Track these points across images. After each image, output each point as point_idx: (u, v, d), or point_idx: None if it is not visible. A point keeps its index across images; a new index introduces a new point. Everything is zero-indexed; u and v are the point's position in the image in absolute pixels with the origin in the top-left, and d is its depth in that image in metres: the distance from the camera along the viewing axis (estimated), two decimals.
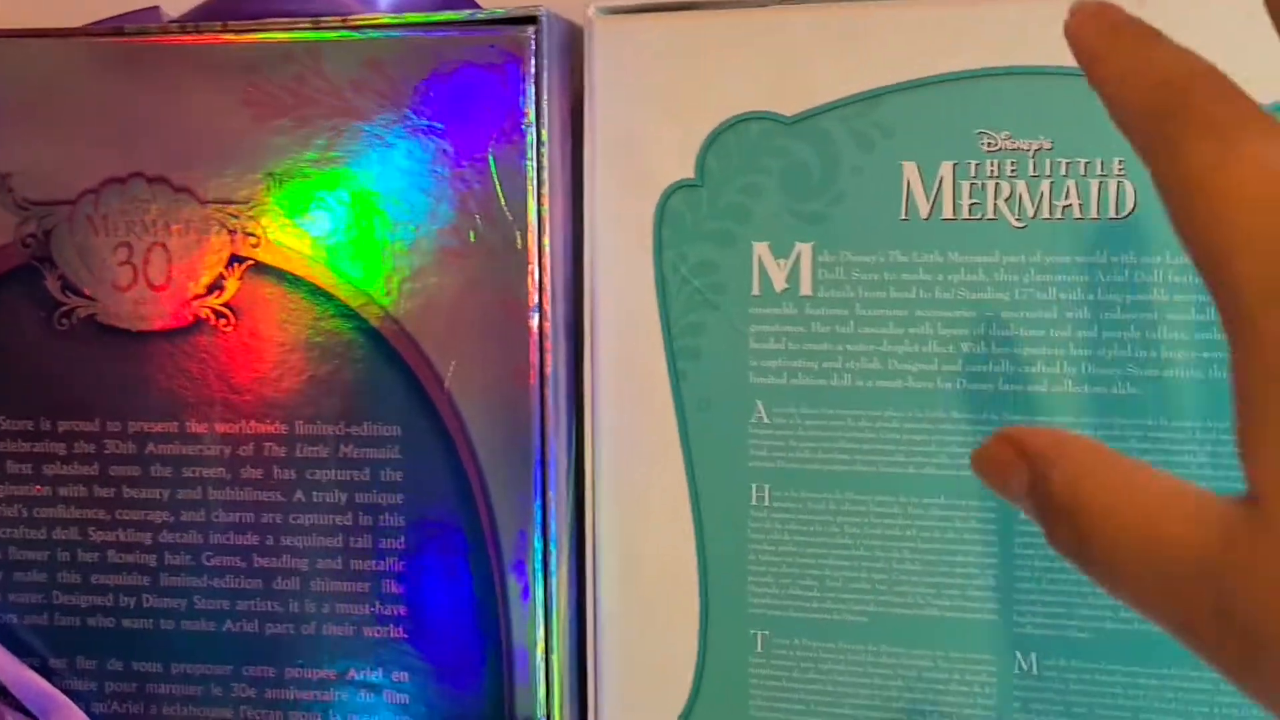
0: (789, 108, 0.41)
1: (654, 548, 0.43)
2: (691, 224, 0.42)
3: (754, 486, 0.43)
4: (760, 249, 0.42)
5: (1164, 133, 0.23)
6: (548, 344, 0.41)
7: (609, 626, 0.44)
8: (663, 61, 0.42)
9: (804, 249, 0.41)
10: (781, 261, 0.42)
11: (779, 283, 0.42)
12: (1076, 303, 0.39)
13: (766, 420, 0.42)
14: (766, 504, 0.42)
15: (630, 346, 0.43)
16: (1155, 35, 0.24)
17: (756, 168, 0.42)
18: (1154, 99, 0.23)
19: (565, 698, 0.43)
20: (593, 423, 0.44)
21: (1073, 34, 0.25)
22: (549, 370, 0.41)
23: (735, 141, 0.42)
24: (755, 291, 0.42)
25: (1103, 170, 0.39)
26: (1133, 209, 0.39)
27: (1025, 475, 0.25)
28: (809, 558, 0.42)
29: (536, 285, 0.41)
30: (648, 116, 0.42)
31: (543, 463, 0.41)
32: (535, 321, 0.41)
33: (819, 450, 0.42)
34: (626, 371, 0.43)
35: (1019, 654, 0.41)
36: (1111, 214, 0.39)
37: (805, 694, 0.43)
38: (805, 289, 0.42)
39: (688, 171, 0.42)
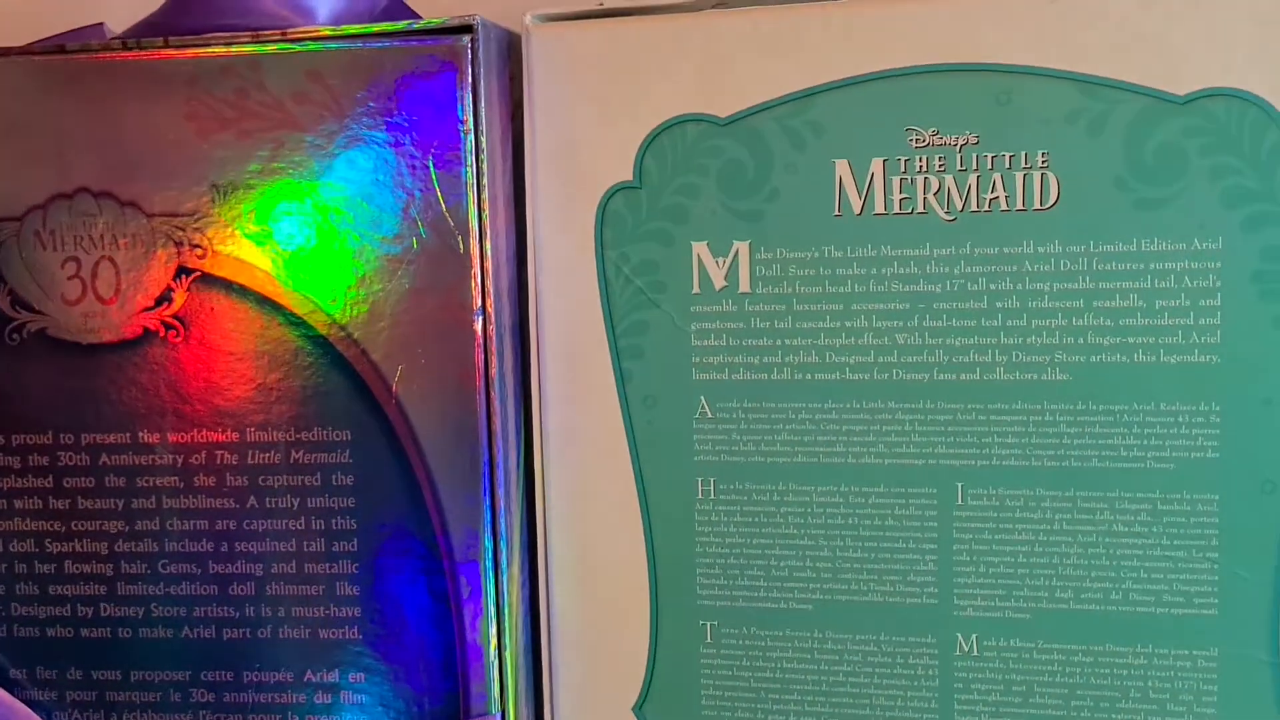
0: (723, 109, 0.42)
1: (604, 544, 0.44)
2: (632, 225, 0.43)
3: (700, 480, 0.43)
4: (699, 248, 0.43)
5: None
6: (492, 347, 0.42)
7: (563, 622, 0.45)
8: (599, 67, 0.43)
9: (741, 247, 0.42)
10: (720, 260, 0.43)
11: (718, 281, 0.43)
12: (1005, 292, 0.40)
13: (710, 415, 0.43)
14: (712, 497, 0.43)
15: (576, 347, 0.44)
16: None
17: (693, 168, 0.43)
18: None
19: (520, 693, 0.44)
20: (541, 423, 0.45)
21: None
22: (494, 372, 0.42)
23: (672, 143, 0.43)
24: (695, 290, 0.43)
25: (1027, 163, 0.40)
26: (1056, 200, 0.40)
27: None
28: (755, 549, 0.43)
29: (480, 289, 0.42)
30: (586, 120, 0.43)
31: (490, 464, 0.42)
32: (479, 325, 0.42)
33: (761, 443, 0.43)
34: (572, 371, 0.44)
35: (960, 636, 0.42)
36: (1037, 205, 0.40)
37: (754, 681, 0.44)
38: (744, 286, 0.43)
39: (627, 174, 0.43)
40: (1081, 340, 0.40)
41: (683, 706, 0.44)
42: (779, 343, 0.42)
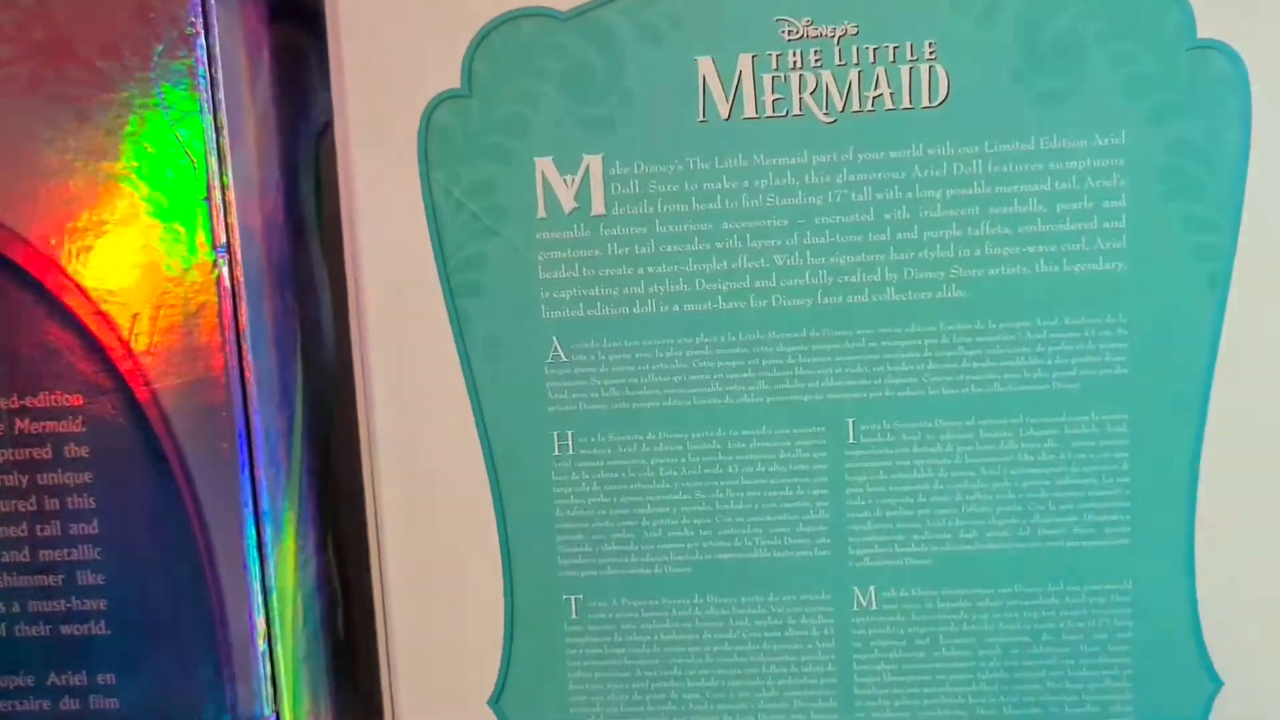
0: (564, 2, 0.36)
1: (446, 515, 0.38)
2: (462, 140, 0.37)
3: (555, 434, 0.38)
4: (543, 164, 0.37)
5: None
6: (241, 291, 0.35)
7: (399, 608, 0.39)
8: None
9: (593, 162, 0.37)
10: (568, 178, 0.37)
11: (567, 202, 0.37)
12: (894, 202, 0.36)
13: (564, 358, 0.37)
14: (570, 452, 0.38)
15: (401, 286, 0.37)
16: None
17: (531, 72, 0.36)
18: None
19: (305, 692, 0.38)
20: (365, 378, 0.38)
21: None
22: (244, 323, 0.35)
23: (505, 43, 0.36)
24: (541, 213, 0.37)
25: (913, 55, 0.35)
26: (946, 96, 0.35)
27: None
28: (622, 508, 0.38)
29: (222, 225, 0.35)
30: (402, 19, 0.36)
31: (247, 429, 0.35)
32: (225, 267, 0.35)
33: (625, 387, 0.37)
34: (399, 315, 0.38)
35: (856, 589, 0.38)
36: (925, 103, 0.36)
37: (629, 659, 0.38)
38: (597, 207, 0.37)
39: (453, 80, 0.37)
40: (978, 252, 0.36)
41: (547, 695, 0.39)
42: (640, 271, 0.37)
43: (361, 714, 0.41)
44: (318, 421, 0.40)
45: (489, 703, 0.39)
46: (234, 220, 0.35)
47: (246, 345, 0.36)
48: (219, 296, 0.35)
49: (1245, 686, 0.37)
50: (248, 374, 0.36)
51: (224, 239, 0.35)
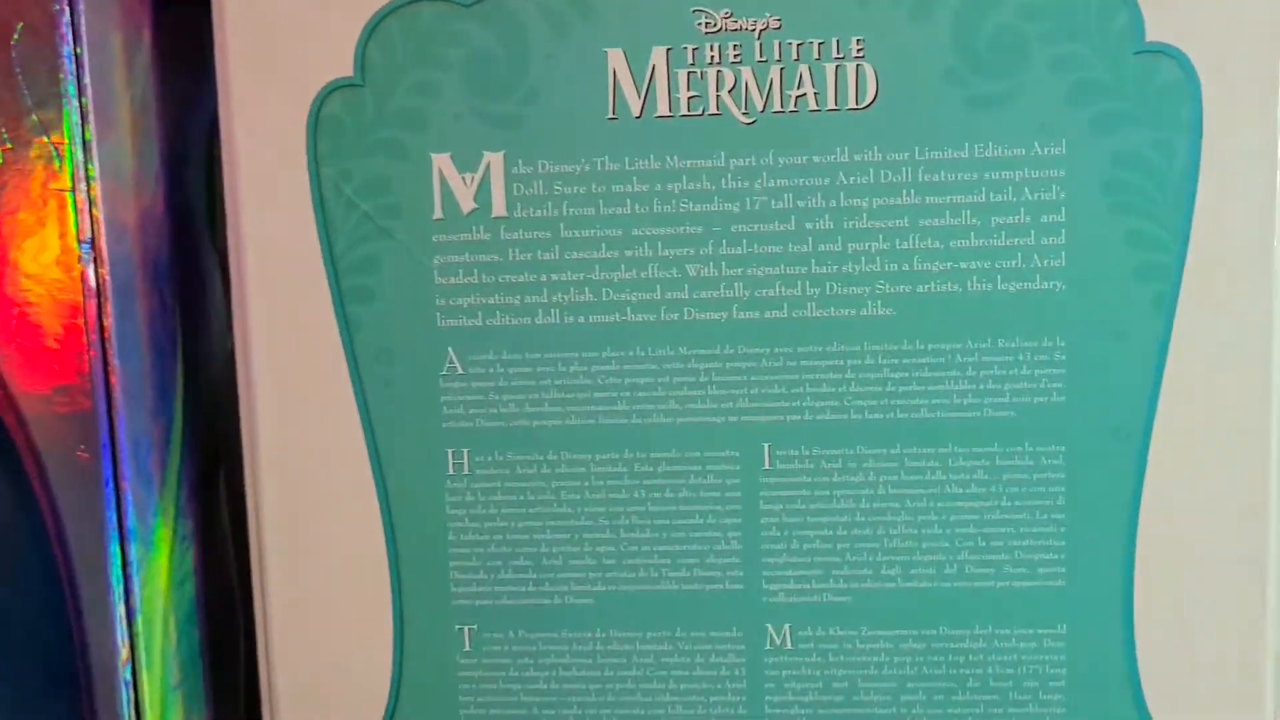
0: None
1: (333, 536, 0.35)
2: (354, 133, 0.34)
3: (450, 452, 0.35)
4: (441, 161, 0.34)
5: None
6: (108, 291, 0.32)
7: (281, 632, 0.36)
8: None
9: (494, 159, 0.34)
10: (468, 176, 0.34)
11: (466, 202, 0.34)
12: (816, 210, 0.33)
13: (460, 371, 0.35)
14: (466, 472, 0.35)
15: (287, 290, 0.35)
16: None
17: (430, 61, 0.34)
18: None
19: (176, 713, 0.35)
20: (249, 387, 0.35)
21: None
22: (109, 325, 0.33)
23: (402, 29, 0.34)
24: (438, 214, 0.34)
25: (839, 52, 0.33)
26: (875, 97, 0.33)
27: None
28: (521, 533, 0.35)
29: (88, 219, 0.32)
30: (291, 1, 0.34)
31: (112, 439, 0.33)
32: (89, 267, 0.32)
33: (526, 404, 0.35)
34: (285, 321, 0.35)
35: (770, 627, 0.35)
36: (851, 104, 0.33)
37: (525, 695, 0.36)
38: (498, 209, 0.34)
39: (345, 68, 0.34)
40: (906, 267, 0.33)
41: None
42: (544, 278, 0.34)
43: None
44: (201, 431, 0.37)
45: None
46: (100, 214, 0.33)
47: (113, 348, 0.33)
48: (83, 295, 0.33)
49: None
50: (113, 379, 0.33)
51: (89, 234, 0.32)
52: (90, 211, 0.33)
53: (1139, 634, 0.34)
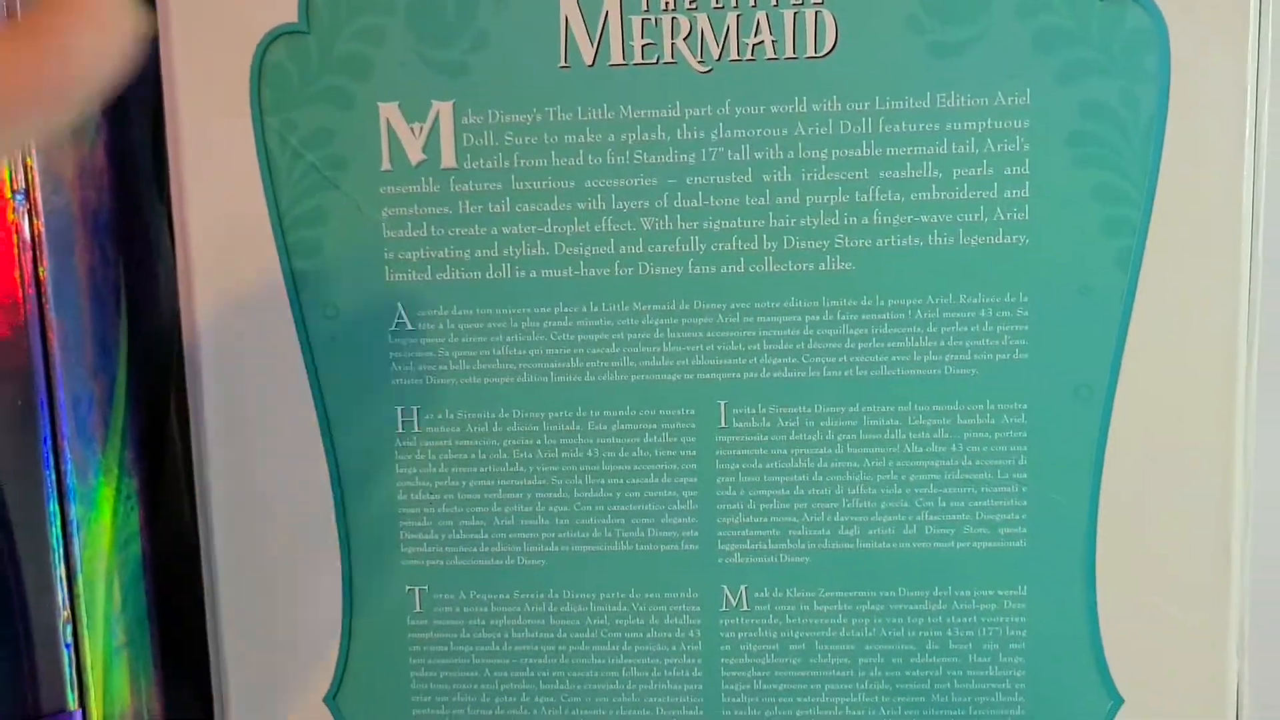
0: None
1: (280, 496, 0.35)
2: (299, 82, 0.33)
3: (399, 410, 0.34)
4: (388, 111, 0.33)
5: None
6: (42, 246, 0.32)
7: (230, 594, 0.35)
8: None
9: (443, 109, 0.33)
10: (416, 126, 0.33)
11: (414, 153, 0.33)
12: (774, 162, 0.32)
13: (409, 326, 0.34)
14: (416, 430, 0.34)
15: (231, 243, 0.34)
16: None
17: (376, 6, 0.33)
18: None
19: (122, 683, 0.35)
20: (193, 342, 0.34)
21: None
22: (45, 279, 0.32)
23: None
24: (385, 166, 0.33)
25: None
26: (834, 45, 0.32)
27: None
28: (472, 493, 0.34)
29: (21, 169, 0.31)
30: None
31: (49, 395, 0.32)
32: (23, 217, 0.31)
33: (477, 360, 0.34)
34: (230, 275, 0.34)
35: (725, 587, 0.34)
36: (810, 52, 0.32)
37: (477, 657, 0.35)
38: (447, 160, 0.33)
39: (289, 14, 0.33)
40: (866, 220, 0.32)
41: (387, 692, 0.35)
42: (494, 231, 0.33)
43: (195, 707, 0.38)
44: (147, 388, 0.36)
45: (325, 699, 0.35)
46: (34, 164, 0.32)
47: (49, 302, 0.32)
48: (18, 248, 0.32)
49: (1147, 705, 0.34)
50: (50, 333, 0.32)
51: (23, 184, 0.31)
52: (24, 161, 0.31)
53: (1100, 595, 0.33)
